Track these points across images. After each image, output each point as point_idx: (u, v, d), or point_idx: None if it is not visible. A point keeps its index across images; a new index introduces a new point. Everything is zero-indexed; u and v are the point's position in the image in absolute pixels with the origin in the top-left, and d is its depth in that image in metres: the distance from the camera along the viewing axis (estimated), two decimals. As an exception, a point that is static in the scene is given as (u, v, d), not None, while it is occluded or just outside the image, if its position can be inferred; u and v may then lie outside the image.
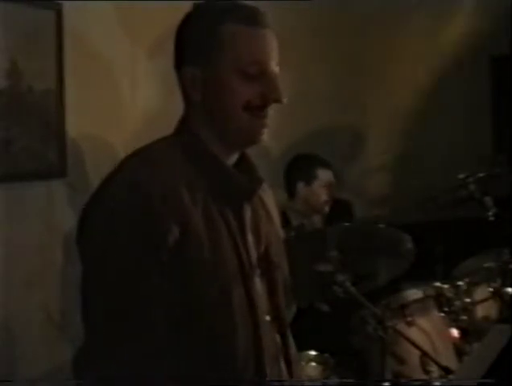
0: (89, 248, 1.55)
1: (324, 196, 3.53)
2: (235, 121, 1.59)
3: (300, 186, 3.53)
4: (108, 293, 1.50)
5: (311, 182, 3.52)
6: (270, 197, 1.80)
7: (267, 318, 1.65)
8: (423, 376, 2.50)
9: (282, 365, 1.69)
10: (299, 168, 3.58)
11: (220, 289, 1.55)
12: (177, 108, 1.69)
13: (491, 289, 2.93)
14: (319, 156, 3.61)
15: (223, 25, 1.58)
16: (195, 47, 1.60)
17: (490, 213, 3.17)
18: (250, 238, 1.65)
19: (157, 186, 1.52)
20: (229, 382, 1.55)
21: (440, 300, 2.76)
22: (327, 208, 3.56)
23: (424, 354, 2.47)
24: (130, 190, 1.51)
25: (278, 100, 1.59)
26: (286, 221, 3.45)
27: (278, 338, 1.69)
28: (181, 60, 1.63)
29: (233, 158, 1.67)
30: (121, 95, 3.33)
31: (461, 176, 3.24)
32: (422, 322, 2.66)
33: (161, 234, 1.49)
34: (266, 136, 1.62)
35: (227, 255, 1.58)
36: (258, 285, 1.64)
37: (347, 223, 2.74)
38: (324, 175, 3.53)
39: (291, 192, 3.56)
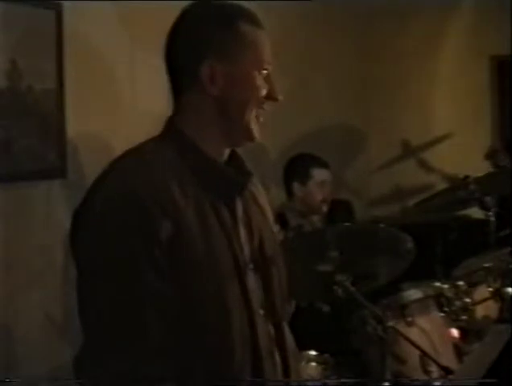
0: (84, 248, 1.55)
1: (319, 195, 3.52)
2: (248, 117, 1.62)
3: (296, 187, 3.53)
4: (104, 292, 1.50)
5: (305, 182, 3.52)
6: (261, 193, 1.81)
7: (261, 311, 1.65)
8: (423, 376, 2.49)
9: (277, 358, 1.69)
10: (294, 168, 3.58)
11: (214, 284, 1.56)
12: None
13: (491, 289, 2.93)
14: (314, 155, 3.60)
15: (240, 24, 1.61)
16: (212, 43, 1.61)
17: (490, 213, 3.17)
18: (243, 232, 1.66)
19: (149, 185, 1.52)
20: (229, 382, 1.55)
21: (440, 300, 2.76)
22: (324, 208, 3.56)
23: (424, 354, 2.47)
24: (122, 190, 1.52)
25: (276, 99, 1.65)
26: (285, 221, 3.45)
27: (272, 330, 1.69)
28: (194, 55, 1.61)
29: (224, 156, 1.68)
30: (121, 95, 3.33)
31: (461, 176, 3.23)
32: (422, 322, 2.66)
33: (154, 232, 1.49)
34: (259, 135, 1.66)
35: (220, 250, 1.58)
36: (252, 279, 1.65)
37: (347, 223, 2.74)
38: (318, 175, 3.52)
39: (289, 193, 3.57)
